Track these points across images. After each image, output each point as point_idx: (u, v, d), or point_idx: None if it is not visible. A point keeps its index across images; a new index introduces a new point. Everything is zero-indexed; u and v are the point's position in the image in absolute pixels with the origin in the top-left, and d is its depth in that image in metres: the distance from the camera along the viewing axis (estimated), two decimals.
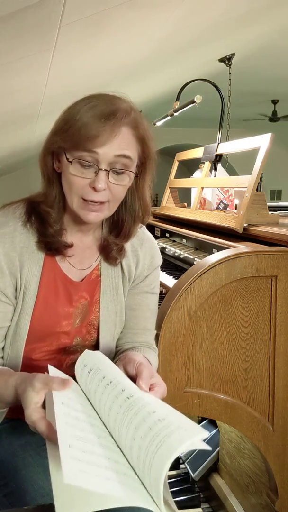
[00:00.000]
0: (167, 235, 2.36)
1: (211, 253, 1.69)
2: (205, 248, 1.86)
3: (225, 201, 2.16)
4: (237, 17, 2.88)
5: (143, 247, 1.11)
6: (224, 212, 2.04)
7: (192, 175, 2.49)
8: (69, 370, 0.97)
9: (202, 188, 2.12)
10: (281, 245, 1.48)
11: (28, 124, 4.28)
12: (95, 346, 1.10)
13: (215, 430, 1.96)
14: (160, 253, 1.16)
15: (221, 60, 4.27)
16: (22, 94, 3.01)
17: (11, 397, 0.85)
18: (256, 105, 6.86)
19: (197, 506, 1.90)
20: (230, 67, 4.31)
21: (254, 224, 1.70)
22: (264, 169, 1.71)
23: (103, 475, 0.64)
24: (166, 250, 2.18)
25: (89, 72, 3.08)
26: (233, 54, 4.16)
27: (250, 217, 1.70)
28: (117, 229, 1.06)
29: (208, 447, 0.70)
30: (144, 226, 1.14)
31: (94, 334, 1.09)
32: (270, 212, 1.76)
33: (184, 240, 2.12)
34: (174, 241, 2.28)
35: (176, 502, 1.85)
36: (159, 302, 1.19)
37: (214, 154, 2.10)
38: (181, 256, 2.00)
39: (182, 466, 2.05)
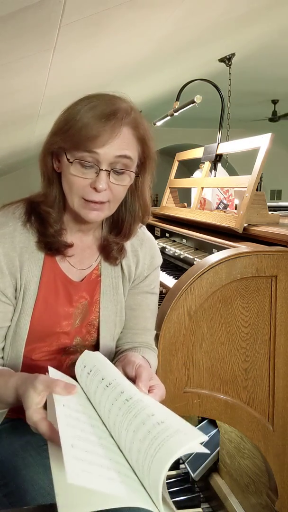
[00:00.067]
0: (167, 235, 2.36)
1: (211, 253, 1.69)
2: (205, 248, 1.86)
3: (225, 201, 2.16)
4: (237, 17, 2.88)
5: (143, 247, 1.11)
6: (224, 212, 2.04)
7: (192, 175, 2.49)
8: (69, 371, 0.97)
9: (202, 188, 2.12)
10: (281, 245, 1.48)
11: (28, 124, 4.28)
12: (95, 346, 1.10)
13: (215, 430, 1.96)
14: (160, 253, 1.16)
15: (221, 60, 4.26)
16: (22, 94, 3.01)
17: (12, 398, 0.84)
18: (256, 105, 6.85)
19: (197, 506, 1.90)
20: (230, 67, 4.31)
21: (254, 224, 1.71)
22: (264, 169, 1.71)
23: (105, 475, 0.64)
24: (166, 250, 2.18)
25: (89, 72, 3.08)
26: (233, 54, 4.16)
27: (250, 217, 1.71)
28: (117, 229, 1.05)
29: (207, 451, 0.69)
30: (144, 226, 1.14)
31: (94, 334, 1.09)
32: (270, 212, 1.76)
33: (184, 240, 2.12)
34: (174, 241, 2.28)
35: (176, 502, 1.86)
36: (159, 302, 1.19)
37: (214, 154, 2.10)
38: (181, 256, 2.00)
39: (182, 466, 2.05)
